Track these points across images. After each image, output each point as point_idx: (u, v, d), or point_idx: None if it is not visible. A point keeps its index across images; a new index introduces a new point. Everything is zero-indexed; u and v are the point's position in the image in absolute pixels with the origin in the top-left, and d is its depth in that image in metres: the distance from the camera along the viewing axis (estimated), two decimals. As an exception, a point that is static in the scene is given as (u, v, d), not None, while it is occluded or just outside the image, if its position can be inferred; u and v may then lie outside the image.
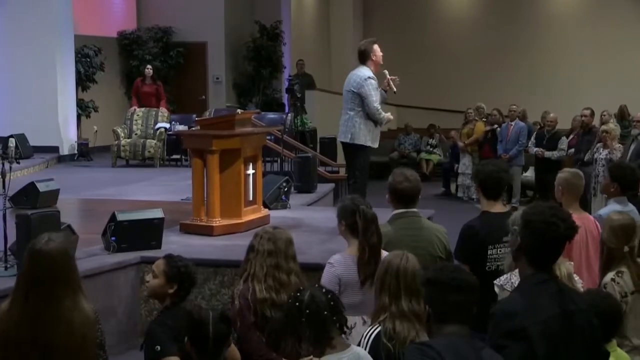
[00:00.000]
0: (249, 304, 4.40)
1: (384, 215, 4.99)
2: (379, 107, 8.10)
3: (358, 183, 8.23)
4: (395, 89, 8.25)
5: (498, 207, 4.97)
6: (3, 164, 6.99)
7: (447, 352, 2.93)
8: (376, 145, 8.34)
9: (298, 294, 3.28)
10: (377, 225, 4.52)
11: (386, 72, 8.32)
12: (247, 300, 4.41)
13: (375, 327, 3.77)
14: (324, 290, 3.35)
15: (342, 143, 8.39)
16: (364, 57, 8.17)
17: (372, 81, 8.04)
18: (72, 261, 3.61)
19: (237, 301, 4.51)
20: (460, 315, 3.07)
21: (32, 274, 3.48)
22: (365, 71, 8.09)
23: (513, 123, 14.35)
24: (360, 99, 8.05)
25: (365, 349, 3.66)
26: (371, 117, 8.10)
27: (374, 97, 8.02)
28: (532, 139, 13.91)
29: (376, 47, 8.18)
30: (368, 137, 8.14)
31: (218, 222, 8.08)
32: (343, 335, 3.47)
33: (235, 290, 4.63)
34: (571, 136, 13.70)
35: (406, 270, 3.83)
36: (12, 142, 7.11)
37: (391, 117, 8.44)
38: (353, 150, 8.24)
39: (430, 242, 4.84)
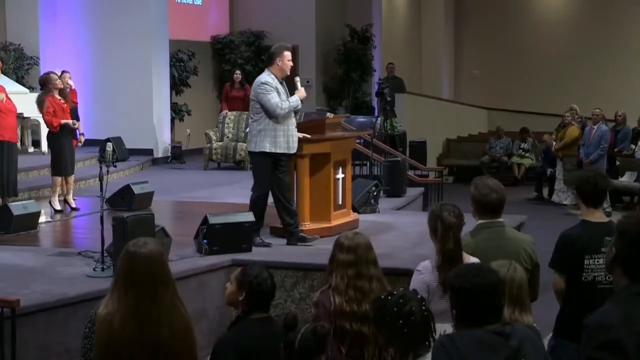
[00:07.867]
0: (327, 313, 4.33)
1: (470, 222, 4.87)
2: (278, 101, 7.72)
3: (254, 194, 7.94)
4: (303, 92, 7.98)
5: (598, 216, 4.81)
6: (101, 167, 7.20)
7: (470, 345, 3.03)
8: (290, 150, 7.86)
9: (401, 300, 3.32)
10: (455, 232, 4.38)
11: (297, 79, 8.14)
12: (325, 309, 4.35)
13: None
14: (419, 297, 3.39)
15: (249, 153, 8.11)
16: (269, 60, 8.02)
17: (266, 86, 7.74)
18: (167, 264, 3.66)
19: (314, 309, 4.47)
20: (490, 317, 3.14)
21: (130, 275, 3.51)
22: (263, 77, 7.85)
23: (596, 127, 13.99)
24: (259, 105, 7.80)
25: None
26: (275, 117, 7.73)
27: (270, 96, 7.70)
28: None
29: (287, 53, 7.90)
30: (266, 143, 7.75)
31: (308, 225, 8.14)
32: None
33: (314, 298, 4.60)
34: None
35: (513, 280, 3.77)
36: (109, 146, 7.31)
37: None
38: (253, 158, 7.99)
39: (516, 253, 4.65)
